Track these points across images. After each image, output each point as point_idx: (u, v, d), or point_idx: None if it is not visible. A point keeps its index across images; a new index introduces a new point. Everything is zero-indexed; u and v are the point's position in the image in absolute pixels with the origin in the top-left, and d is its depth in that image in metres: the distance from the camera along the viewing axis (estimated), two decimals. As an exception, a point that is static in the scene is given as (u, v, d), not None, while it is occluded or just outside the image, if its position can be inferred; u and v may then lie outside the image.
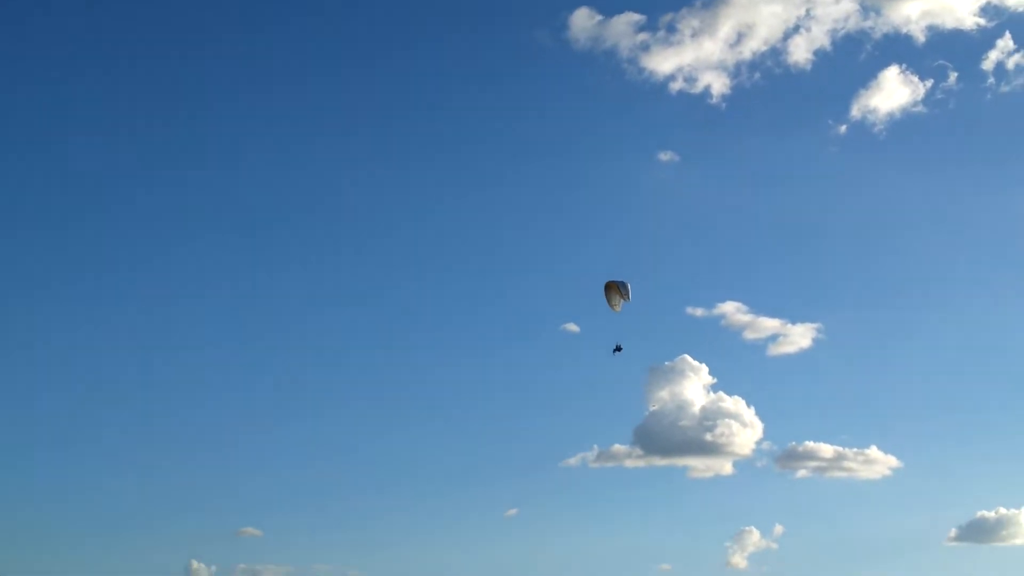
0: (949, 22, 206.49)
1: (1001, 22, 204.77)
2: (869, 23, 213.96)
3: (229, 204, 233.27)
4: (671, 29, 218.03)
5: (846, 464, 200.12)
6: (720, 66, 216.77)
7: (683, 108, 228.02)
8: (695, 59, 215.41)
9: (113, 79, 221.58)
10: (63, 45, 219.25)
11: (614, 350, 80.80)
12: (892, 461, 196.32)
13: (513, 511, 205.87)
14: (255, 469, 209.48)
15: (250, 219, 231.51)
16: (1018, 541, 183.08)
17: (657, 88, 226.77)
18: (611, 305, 77.61)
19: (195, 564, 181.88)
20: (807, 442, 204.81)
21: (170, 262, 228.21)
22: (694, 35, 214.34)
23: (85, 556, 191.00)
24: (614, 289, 77.77)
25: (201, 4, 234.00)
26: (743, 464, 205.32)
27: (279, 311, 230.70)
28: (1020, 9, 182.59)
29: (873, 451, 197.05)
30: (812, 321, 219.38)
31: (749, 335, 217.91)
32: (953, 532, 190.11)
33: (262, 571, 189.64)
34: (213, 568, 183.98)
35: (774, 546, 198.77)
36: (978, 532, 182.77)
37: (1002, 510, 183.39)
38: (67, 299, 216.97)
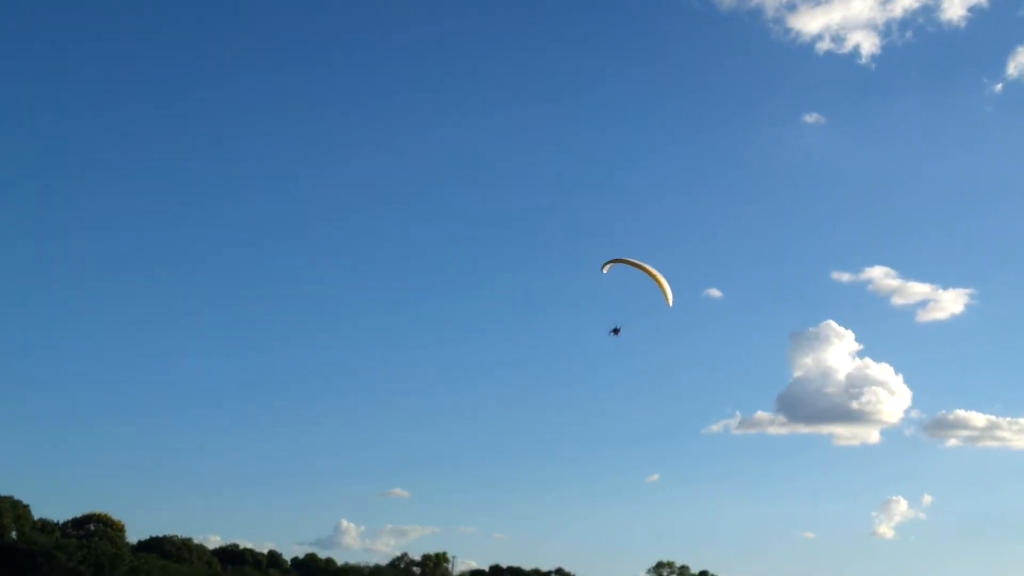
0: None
1: None
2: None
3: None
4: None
5: (999, 433, 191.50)
6: (870, 25, 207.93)
7: (830, 69, 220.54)
8: (844, 18, 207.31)
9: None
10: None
11: (612, 331, 75.28)
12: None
13: (655, 476, 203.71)
14: (403, 431, 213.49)
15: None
16: None
17: (804, 49, 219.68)
18: (603, 267, 72.09)
19: (344, 523, 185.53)
20: (958, 411, 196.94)
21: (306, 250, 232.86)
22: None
23: (241, 513, 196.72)
24: (621, 264, 72.02)
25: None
26: (890, 432, 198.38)
27: (424, 286, 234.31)
28: None
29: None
30: (965, 286, 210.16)
31: (898, 301, 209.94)
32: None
33: (408, 531, 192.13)
34: (362, 527, 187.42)
35: (923, 516, 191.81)
36: None
37: None
38: (218, 278, 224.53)
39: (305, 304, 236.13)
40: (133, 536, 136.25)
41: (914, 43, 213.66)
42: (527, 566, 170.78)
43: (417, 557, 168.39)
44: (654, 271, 71.09)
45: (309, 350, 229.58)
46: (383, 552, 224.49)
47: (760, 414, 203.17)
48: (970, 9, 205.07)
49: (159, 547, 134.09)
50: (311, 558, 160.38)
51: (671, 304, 71.73)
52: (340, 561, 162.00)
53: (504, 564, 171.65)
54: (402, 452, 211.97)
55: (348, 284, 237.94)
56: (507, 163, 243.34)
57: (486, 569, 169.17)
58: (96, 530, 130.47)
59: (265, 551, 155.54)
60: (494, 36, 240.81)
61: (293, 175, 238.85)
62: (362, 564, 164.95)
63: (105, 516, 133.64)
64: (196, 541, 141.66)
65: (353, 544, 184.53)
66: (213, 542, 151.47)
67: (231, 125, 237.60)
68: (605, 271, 70.61)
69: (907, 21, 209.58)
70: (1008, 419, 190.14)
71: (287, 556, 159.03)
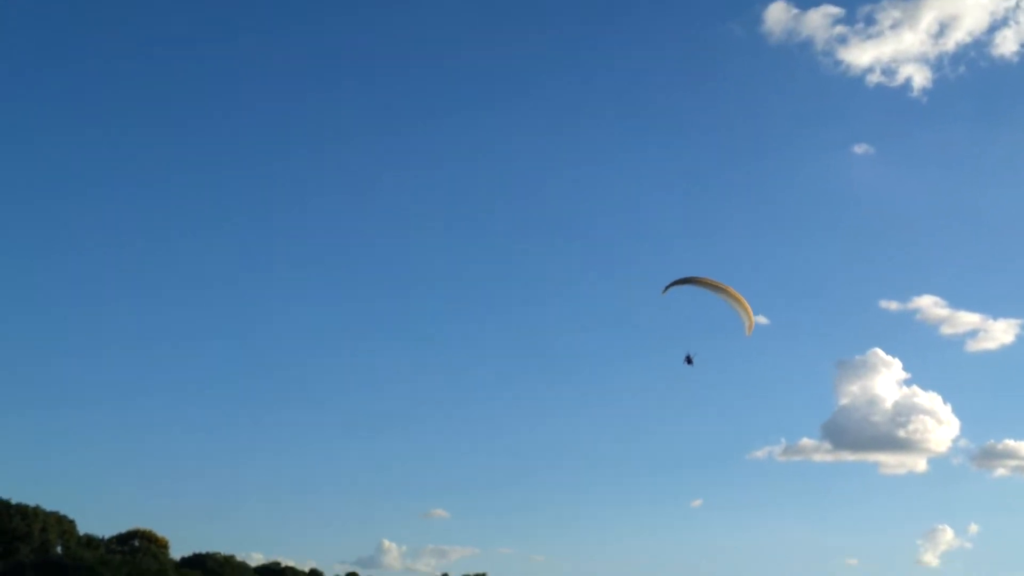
0: None
1: None
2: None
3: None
4: (870, 21, 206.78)
5: None
6: (921, 59, 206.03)
7: (880, 101, 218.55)
8: (895, 51, 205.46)
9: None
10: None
11: (686, 360, 73.99)
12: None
13: (698, 502, 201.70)
14: (445, 452, 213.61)
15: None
16: None
17: (854, 81, 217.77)
18: (670, 286, 68.52)
19: (386, 543, 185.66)
20: (1007, 440, 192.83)
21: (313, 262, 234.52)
22: (894, 27, 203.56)
23: (283, 531, 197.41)
24: (688, 286, 68.95)
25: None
26: (938, 461, 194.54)
27: (466, 307, 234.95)
28: None
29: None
30: (1015, 316, 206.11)
31: (947, 330, 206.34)
32: None
33: (449, 552, 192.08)
34: (403, 547, 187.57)
35: (968, 545, 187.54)
36: None
37: None
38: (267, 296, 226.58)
39: (346, 323, 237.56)
40: (176, 552, 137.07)
41: (966, 77, 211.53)
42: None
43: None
44: (736, 293, 67.71)
45: (353, 369, 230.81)
46: (423, 572, 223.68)
47: (805, 441, 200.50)
48: (1023, 44, 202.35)
49: (201, 564, 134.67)
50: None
51: (749, 332, 68.60)
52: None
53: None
54: (444, 472, 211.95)
55: (390, 305, 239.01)
56: (550, 183, 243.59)
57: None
58: (140, 546, 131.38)
59: (307, 569, 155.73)
60: (539, 56, 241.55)
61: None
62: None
63: (149, 532, 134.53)
64: (238, 558, 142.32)
65: (394, 564, 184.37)
66: (255, 559, 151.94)
67: (222, 126, 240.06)
68: (665, 293, 67.28)
69: (959, 55, 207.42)
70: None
71: (329, 574, 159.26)
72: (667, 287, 68.05)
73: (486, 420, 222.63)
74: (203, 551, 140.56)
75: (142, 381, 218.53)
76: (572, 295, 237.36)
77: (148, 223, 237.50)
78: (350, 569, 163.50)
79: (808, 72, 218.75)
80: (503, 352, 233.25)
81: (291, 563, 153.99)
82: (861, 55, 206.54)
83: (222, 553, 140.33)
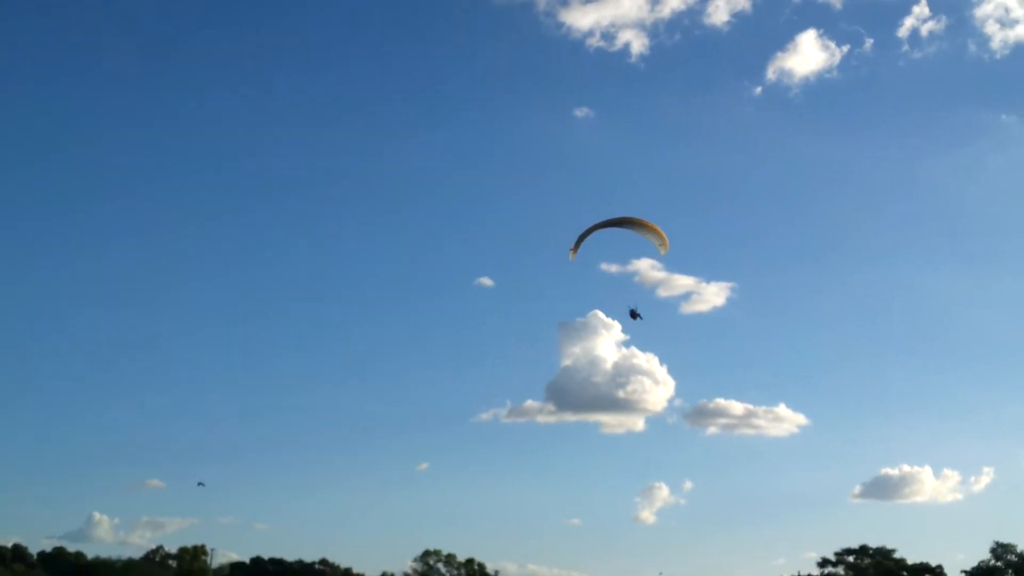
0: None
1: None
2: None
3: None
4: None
5: (755, 421, 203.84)
6: (639, 25, 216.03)
7: (601, 65, 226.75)
8: (615, 16, 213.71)
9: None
10: None
11: (632, 315, 73.78)
12: (800, 419, 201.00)
13: (424, 465, 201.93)
14: (159, 419, 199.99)
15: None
16: (919, 499, 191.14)
17: (575, 44, 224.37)
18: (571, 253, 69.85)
19: (97, 516, 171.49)
20: (718, 399, 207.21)
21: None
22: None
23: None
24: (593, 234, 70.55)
25: None
26: (655, 420, 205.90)
27: (196, 269, 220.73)
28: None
29: (781, 409, 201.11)
30: (726, 280, 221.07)
31: (663, 292, 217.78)
32: (857, 489, 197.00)
33: (165, 523, 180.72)
34: (115, 520, 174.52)
35: (682, 502, 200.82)
36: (881, 489, 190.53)
37: (905, 468, 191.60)
38: None
39: (56, 292, 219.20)
40: None
41: (681, 44, 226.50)
42: (290, 557, 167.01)
43: (173, 550, 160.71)
44: (639, 219, 68.06)
45: (58, 334, 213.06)
46: (138, 545, 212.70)
47: (530, 403, 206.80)
48: (734, 15, 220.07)
49: None
50: (59, 552, 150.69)
51: (664, 251, 69.80)
52: (91, 555, 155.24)
53: (266, 556, 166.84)
54: (158, 441, 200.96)
55: (102, 273, 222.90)
56: (267, 140, 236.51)
57: (247, 561, 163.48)
58: None
59: (9, 545, 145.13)
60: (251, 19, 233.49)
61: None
62: (114, 558, 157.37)
63: None
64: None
65: (106, 537, 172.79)
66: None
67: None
68: (573, 257, 67.17)
69: (674, 23, 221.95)
70: (763, 407, 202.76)
71: (33, 550, 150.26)
72: (576, 245, 67.72)
73: (203, 384, 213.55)
74: None
75: None
76: (291, 259, 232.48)
77: None
78: (57, 544, 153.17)
79: (531, 33, 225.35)
80: (220, 314, 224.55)
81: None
82: (582, 18, 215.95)
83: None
